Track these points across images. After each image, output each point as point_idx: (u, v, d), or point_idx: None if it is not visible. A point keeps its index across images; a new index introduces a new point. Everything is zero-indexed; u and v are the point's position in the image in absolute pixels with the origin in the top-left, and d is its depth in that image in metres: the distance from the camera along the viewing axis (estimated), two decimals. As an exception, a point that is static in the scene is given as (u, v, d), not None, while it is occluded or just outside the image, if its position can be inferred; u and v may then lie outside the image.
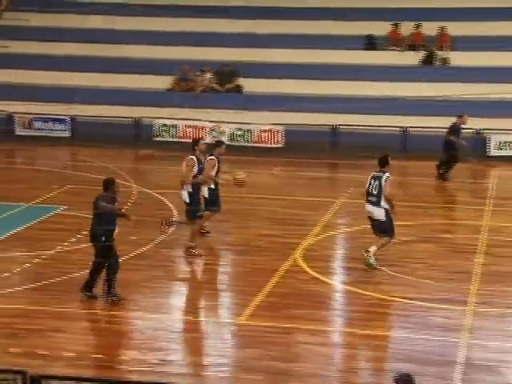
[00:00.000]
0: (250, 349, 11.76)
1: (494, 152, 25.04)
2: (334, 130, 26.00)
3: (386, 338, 12.24)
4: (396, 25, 28.43)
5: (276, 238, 16.29)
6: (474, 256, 15.53)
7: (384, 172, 14.79)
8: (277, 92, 27.18)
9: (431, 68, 27.84)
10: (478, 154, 24.65)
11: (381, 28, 28.35)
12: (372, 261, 14.70)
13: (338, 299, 14.02)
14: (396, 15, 28.35)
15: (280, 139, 26.08)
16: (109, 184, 13.29)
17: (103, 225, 13.05)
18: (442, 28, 28.10)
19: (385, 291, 13.84)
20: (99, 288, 13.24)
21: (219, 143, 16.73)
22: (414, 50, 28.26)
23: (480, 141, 25.17)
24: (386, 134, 25.12)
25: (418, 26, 28.30)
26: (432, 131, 24.78)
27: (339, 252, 16.48)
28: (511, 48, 26.70)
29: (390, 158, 14.92)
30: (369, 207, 14.84)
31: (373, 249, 14.74)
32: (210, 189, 15.96)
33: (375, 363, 11.41)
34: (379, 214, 14.73)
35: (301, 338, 12.08)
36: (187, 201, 15.58)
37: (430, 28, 28.06)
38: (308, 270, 14.84)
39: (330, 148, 25.76)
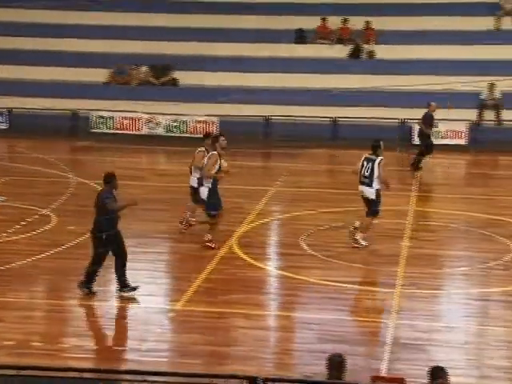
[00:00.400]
0: (187, 334, 12.05)
1: (416, 140, 25.76)
2: (267, 121, 26.48)
3: (318, 321, 12.63)
4: (324, 19, 29.05)
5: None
6: (401, 240, 16.09)
7: (377, 155, 15.66)
8: (211, 85, 27.56)
9: (358, 61, 28.55)
10: (404, 142, 25.41)
11: (310, 22, 28.93)
12: (361, 241, 15.60)
13: (273, 284, 14.42)
14: (324, 10, 28.96)
15: (215, 130, 26.43)
16: (110, 178, 13.18)
17: (107, 218, 13.00)
18: (368, 23, 28.82)
19: (317, 275, 14.24)
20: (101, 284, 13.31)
21: (217, 136, 16.21)
22: (342, 43, 28.92)
23: (405, 130, 25.93)
24: (316, 124, 25.73)
25: (345, 21, 29.00)
26: (360, 121, 25.57)
27: (273, 238, 16.93)
28: (433, 41, 27.54)
29: (382, 143, 15.81)
30: (361, 187, 15.73)
31: (359, 234, 15.62)
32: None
33: (309, 345, 11.74)
34: (370, 192, 15.60)
35: (237, 323, 12.40)
36: (205, 197, 15.56)
37: (356, 23, 28.78)
38: (243, 256, 15.22)
39: (263, 138, 26.23)
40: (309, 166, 22.44)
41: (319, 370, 8.84)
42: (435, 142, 24.60)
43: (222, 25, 28.97)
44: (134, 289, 13.21)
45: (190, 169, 16.50)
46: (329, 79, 27.21)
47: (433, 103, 22.84)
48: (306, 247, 15.64)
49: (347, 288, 13.77)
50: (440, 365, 8.36)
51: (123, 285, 13.20)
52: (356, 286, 13.86)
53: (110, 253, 13.21)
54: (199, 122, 26.58)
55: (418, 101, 25.65)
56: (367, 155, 15.80)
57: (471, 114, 25.95)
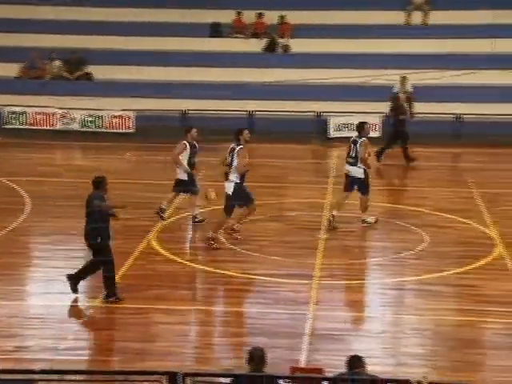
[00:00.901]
0: (106, 330, 12.03)
1: (333, 133, 26.13)
2: (184, 115, 26.43)
3: (238, 314, 12.79)
4: (239, 13, 29.15)
5: (130, 222, 16.44)
6: (318, 232, 16.33)
7: (361, 137, 16.62)
8: (126, 79, 27.35)
9: (274, 55, 28.74)
10: (320, 135, 25.74)
11: (225, 16, 28.99)
12: (369, 220, 16.81)
13: (193, 279, 14.44)
14: (239, 4, 29.02)
15: (131, 125, 26.30)
16: (100, 182, 12.99)
17: (97, 224, 12.81)
18: (283, 17, 29.03)
19: (236, 268, 14.36)
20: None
21: (189, 129, 17.03)
22: (257, 37, 29.07)
23: (321, 123, 26.25)
24: (233, 118, 25.78)
25: (260, 15, 29.16)
26: (276, 115, 25.80)
27: (192, 233, 16.96)
28: (346, 35, 27.90)
29: (365, 125, 16.89)
30: (347, 167, 16.74)
31: (364, 217, 16.69)
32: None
33: (229, 338, 11.84)
34: (358, 172, 16.50)
35: (157, 318, 12.38)
36: (230, 192, 15.36)
37: (271, 17, 28.96)
38: (162, 251, 15.22)
39: (180, 132, 26.10)
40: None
41: (240, 363, 8.92)
42: (346, 134, 25.05)
43: (137, 18, 28.76)
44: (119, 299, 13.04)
45: (177, 162, 16.72)
46: (244, 73, 27.35)
47: (400, 94, 23.27)
48: (224, 241, 15.72)
49: (266, 281, 13.91)
50: (357, 354, 8.54)
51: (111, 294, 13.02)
52: (275, 279, 13.99)
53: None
54: (115, 116, 26.37)
55: (332, 94, 26.11)
56: (354, 137, 16.78)
57: (385, 107, 26.39)
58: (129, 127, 26.29)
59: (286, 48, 28.78)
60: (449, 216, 17.65)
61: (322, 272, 14.25)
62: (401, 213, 17.70)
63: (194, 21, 28.68)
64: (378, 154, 22.43)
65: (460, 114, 25.71)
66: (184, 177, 16.73)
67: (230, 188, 15.38)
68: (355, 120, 25.72)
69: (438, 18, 28.72)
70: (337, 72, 26.63)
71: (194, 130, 16.89)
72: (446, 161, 23.94)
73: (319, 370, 8.92)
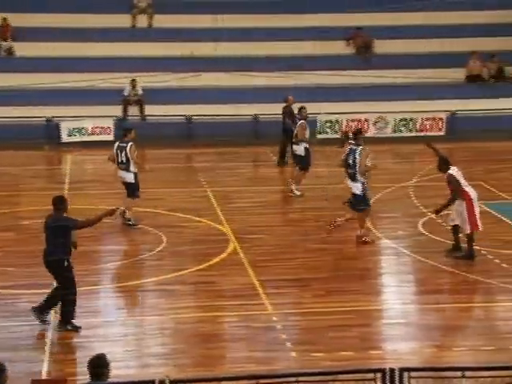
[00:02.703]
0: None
1: (65, 138, 25.79)
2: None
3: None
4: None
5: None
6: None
7: (358, 145, 16.04)
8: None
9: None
10: (52, 140, 25.32)
11: None
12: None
13: None
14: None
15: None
16: (62, 202, 12.04)
17: (64, 247, 11.82)
18: (5, 19, 28.15)
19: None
20: None
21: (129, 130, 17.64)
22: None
23: (52, 128, 25.81)
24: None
25: (-18, 17, 28.15)
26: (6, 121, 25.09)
27: None
28: (73, 38, 27.58)
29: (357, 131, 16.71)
30: (347, 181, 16.28)
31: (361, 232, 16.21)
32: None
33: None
34: (356, 187, 15.97)
35: None
36: (359, 192, 15.87)
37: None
38: None
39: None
40: None
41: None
42: (81, 139, 24.93)
43: None
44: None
45: (117, 163, 17.24)
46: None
47: (290, 97, 23.17)
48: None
49: (3, 293, 13.49)
50: (99, 355, 8.40)
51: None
52: (12, 291, 13.59)
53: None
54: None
55: (62, 98, 25.75)
56: (352, 146, 16.18)
57: (116, 110, 26.46)
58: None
59: (10, 51, 27.92)
60: (184, 215, 18.06)
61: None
62: (138, 215, 17.82)
63: None
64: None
65: (189, 116, 26.32)
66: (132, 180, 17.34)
67: (358, 188, 15.92)
68: (88, 124, 25.70)
69: (162, 21, 29.21)
70: (65, 76, 26.30)
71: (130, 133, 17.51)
72: (179, 162, 24.43)
73: (62, 381, 8.81)
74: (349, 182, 16.22)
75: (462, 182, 15.07)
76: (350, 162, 15.97)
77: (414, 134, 26.39)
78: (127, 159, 17.15)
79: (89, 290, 13.78)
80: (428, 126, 26.84)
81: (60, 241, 11.92)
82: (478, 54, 28.85)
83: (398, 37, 28.87)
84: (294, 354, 11.56)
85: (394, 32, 28.82)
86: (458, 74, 28.73)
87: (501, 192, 18.75)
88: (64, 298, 12.18)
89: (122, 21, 29.13)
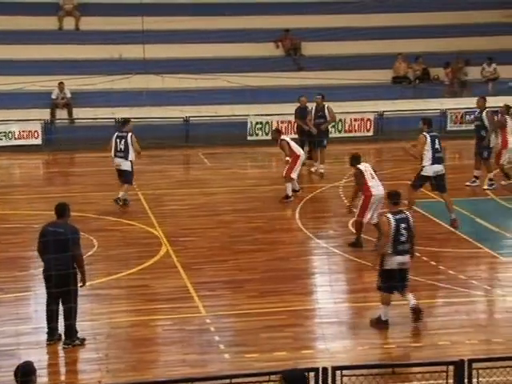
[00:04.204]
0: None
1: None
2: None
3: None
4: None
5: None
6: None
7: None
8: None
9: None
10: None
11: None
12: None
13: None
14: None
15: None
16: (65, 209, 11.83)
17: (72, 260, 11.58)
18: None
19: None
20: None
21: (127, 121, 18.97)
22: None
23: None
24: None
25: None
26: None
27: None
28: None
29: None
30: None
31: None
32: None
33: None
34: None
35: None
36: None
37: None
38: None
39: None
40: None
41: None
42: (7, 143, 24.51)
43: None
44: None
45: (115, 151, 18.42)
46: None
47: (302, 98, 22.84)
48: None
49: None
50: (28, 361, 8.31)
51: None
52: None
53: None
54: None
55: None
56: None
57: (45, 114, 26.13)
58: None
59: None
60: (116, 219, 17.94)
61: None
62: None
63: None
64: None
65: (119, 119, 26.02)
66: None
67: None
68: (16, 128, 25.31)
69: (90, 23, 28.95)
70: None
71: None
72: (109, 165, 24.13)
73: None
74: None
75: (369, 178, 15.79)
76: None
77: (342, 134, 26.69)
78: (126, 148, 18.31)
79: (18, 296, 13.60)
80: (356, 127, 27.19)
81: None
82: (403, 55, 29.38)
83: (324, 39, 29.17)
84: (227, 355, 11.60)
85: (321, 34, 29.09)
86: (384, 76, 29.21)
87: (428, 191, 19.06)
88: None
89: (48, 23, 28.79)
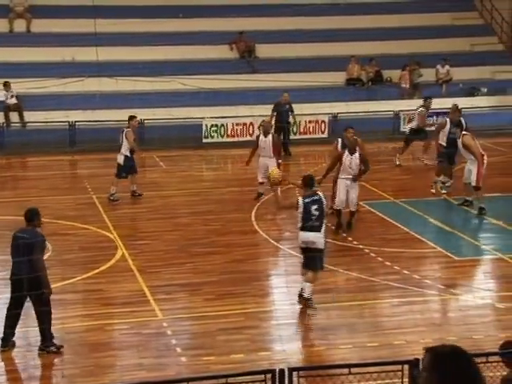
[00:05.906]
0: None
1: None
2: None
3: None
4: None
5: None
6: None
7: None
8: None
9: None
10: None
11: None
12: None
13: None
14: None
15: None
16: (35, 214, 11.62)
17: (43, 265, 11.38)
18: None
19: None
20: None
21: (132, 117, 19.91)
22: None
23: None
24: None
25: None
26: None
27: None
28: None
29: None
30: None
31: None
32: None
33: None
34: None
35: None
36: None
37: None
38: None
39: None
40: None
41: None
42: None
43: None
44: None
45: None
46: None
47: (285, 94, 24.52)
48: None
49: None
50: None
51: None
52: None
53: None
54: None
55: None
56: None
57: (-1, 118, 25.89)
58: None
59: None
60: (69, 223, 17.81)
61: None
62: (17, 224, 17.40)
63: None
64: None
65: (72, 122, 25.87)
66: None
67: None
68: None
69: (41, 25, 28.69)
70: None
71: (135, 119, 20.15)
72: (63, 168, 24.05)
73: None
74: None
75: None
76: None
77: (298, 136, 26.79)
78: (122, 142, 19.41)
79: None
80: (311, 129, 27.32)
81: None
82: (356, 57, 29.59)
83: (278, 41, 29.27)
84: (184, 359, 11.59)
85: (275, 36, 29.18)
86: (338, 78, 29.39)
87: (382, 192, 19.26)
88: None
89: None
